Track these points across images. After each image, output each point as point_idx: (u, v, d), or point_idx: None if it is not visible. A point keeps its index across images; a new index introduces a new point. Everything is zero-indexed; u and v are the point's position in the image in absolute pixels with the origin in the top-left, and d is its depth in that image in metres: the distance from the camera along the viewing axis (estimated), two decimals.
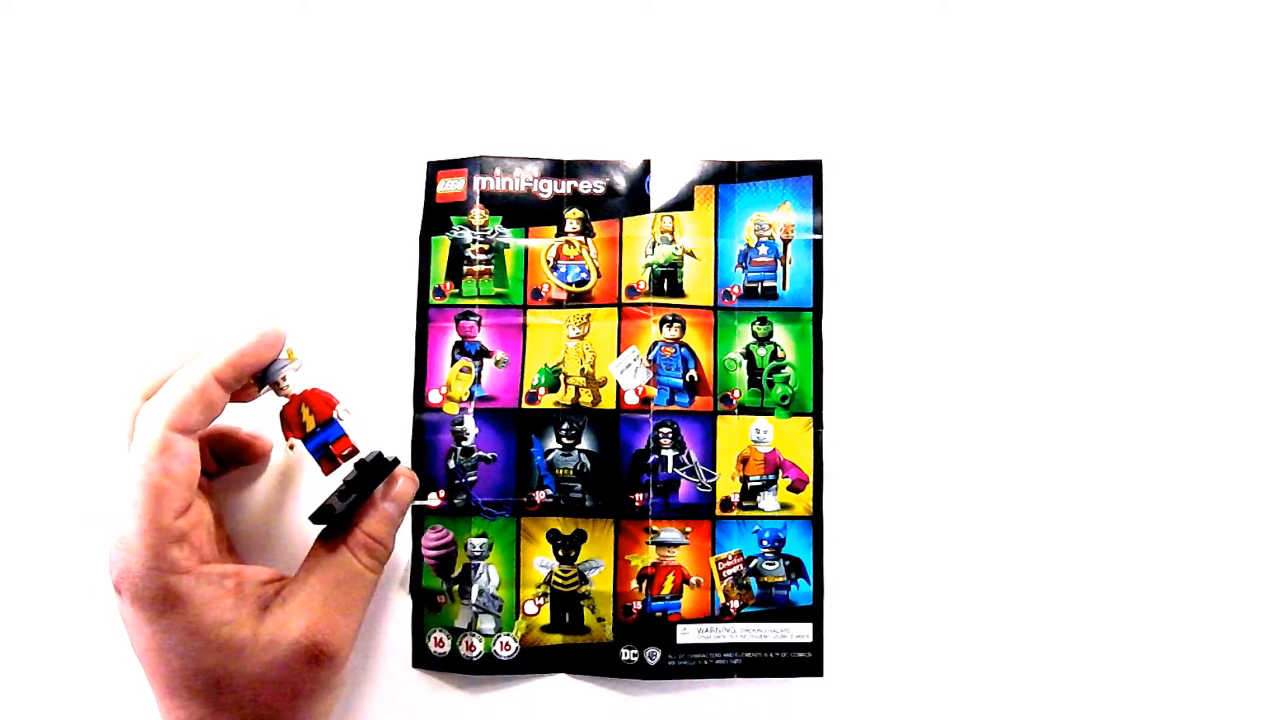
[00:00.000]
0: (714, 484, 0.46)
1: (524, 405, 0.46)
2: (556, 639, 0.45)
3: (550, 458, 0.46)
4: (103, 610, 0.44)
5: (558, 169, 0.48)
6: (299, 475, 0.46)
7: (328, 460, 0.40)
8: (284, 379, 0.39)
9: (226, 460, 0.44)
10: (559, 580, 0.45)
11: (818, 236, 0.47)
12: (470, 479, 0.46)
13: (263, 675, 0.36)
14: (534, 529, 0.46)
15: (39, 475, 0.46)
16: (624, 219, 0.47)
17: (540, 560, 0.46)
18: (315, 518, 0.39)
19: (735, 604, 0.45)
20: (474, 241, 0.47)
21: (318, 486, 0.44)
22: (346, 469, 0.40)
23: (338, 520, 0.40)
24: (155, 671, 0.36)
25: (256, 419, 0.44)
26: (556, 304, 0.47)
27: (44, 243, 0.47)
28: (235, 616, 0.36)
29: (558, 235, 0.47)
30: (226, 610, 0.36)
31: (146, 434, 0.35)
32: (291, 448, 0.40)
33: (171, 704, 0.36)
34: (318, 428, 0.39)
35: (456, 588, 0.45)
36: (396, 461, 0.41)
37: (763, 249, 0.47)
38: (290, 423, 0.39)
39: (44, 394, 0.46)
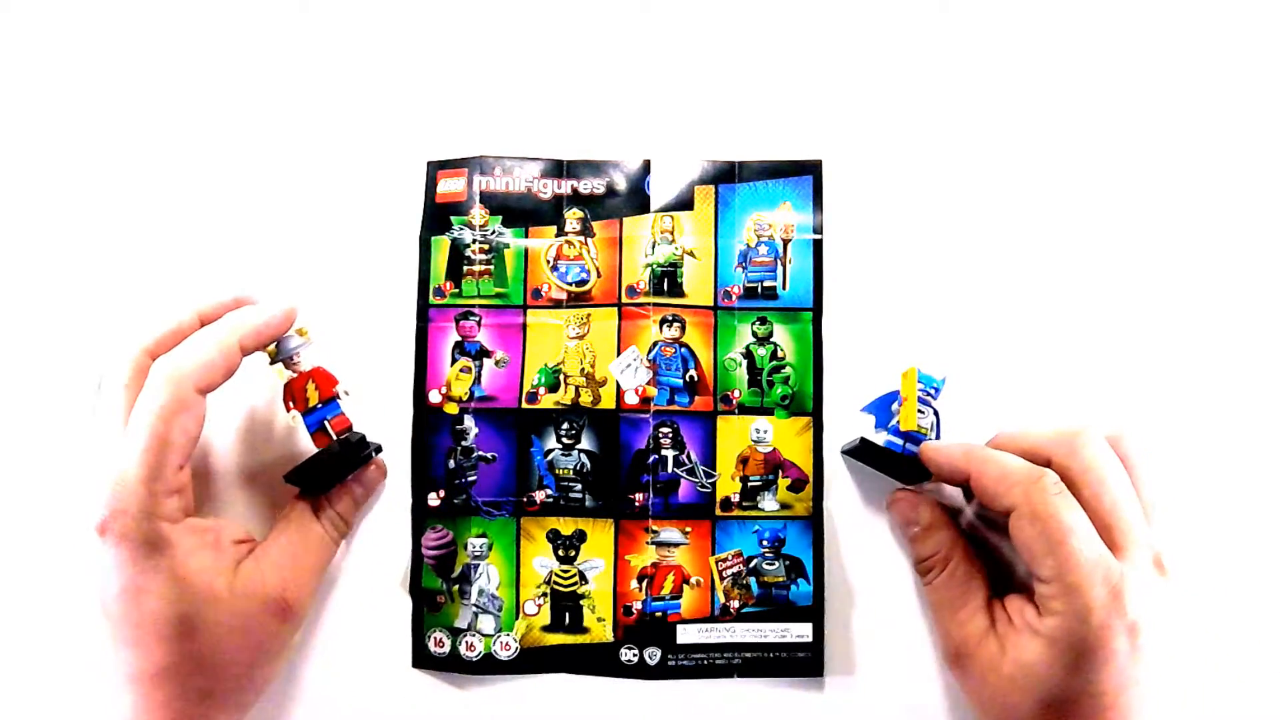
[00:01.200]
0: (714, 484, 0.46)
1: (524, 405, 0.46)
2: (556, 639, 0.45)
3: (550, 458, 0.46)
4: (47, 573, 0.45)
5: (558, 169, 0.48)
6: (271, 444, 0.46)
7: (323, 434, 0.42)
8: (298, 355, 0.41)
9: None
10: (559, 580, 0.45)
11: (818, 236, 0.47)
12: (470, 479, 0.46)
13: (231, 625, 0.38)
14: (534, 529, 0.46)
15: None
16: (624, 219, 0.47)
17: (540, 560, 0.46)
18: (290, 478, 0.42)
19: (735, 604, 0.45)
20: (474, 241, 0.47)
21: (289, 454, 0.45)
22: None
23: (310, 484, 0.43)
24: (124, 616, 0.37)
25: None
26: (556, 304, 0.47)
27: (42, 243, 0.47)
28: (214, 567, 0.38)
29: (558, 235, 0.47)
30: (206, 560, 0.38)
31: (167, 388, 0.37)
32: (293, 419, 0.41)
33: (133, 653, 0.37)
34: (319, 404, 0.42)
35: (456, 588, 0.45)
36: (379, 449, 0.45)
37: (763, 249, 0.47)
38: (296, 396, 0.41)
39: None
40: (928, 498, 0.44)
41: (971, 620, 0.40)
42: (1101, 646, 0.35)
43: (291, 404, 0.41)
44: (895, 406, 0.43)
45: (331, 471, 0.42)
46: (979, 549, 0.43)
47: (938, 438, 0.43)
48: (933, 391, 0.43)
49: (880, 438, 0.43)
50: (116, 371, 0.38)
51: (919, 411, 0.42)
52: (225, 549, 0.39)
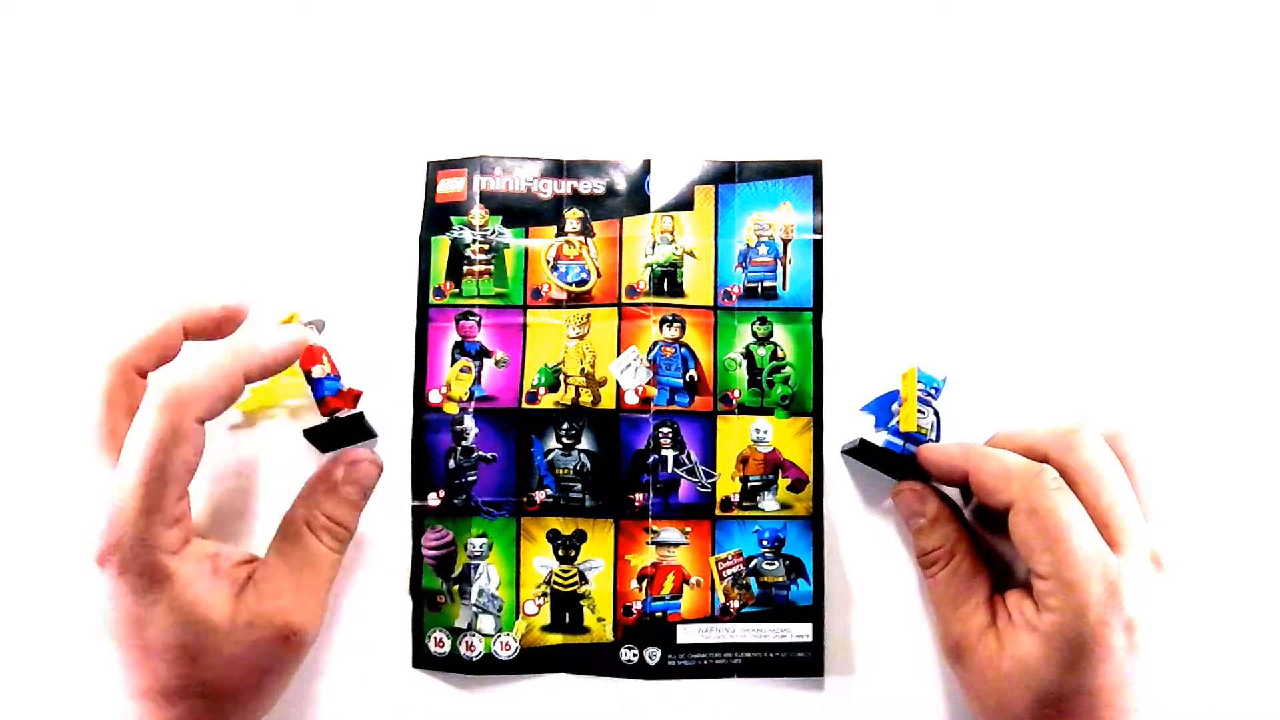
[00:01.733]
0: (714, 484, 0.46)
1: (524, 405, 0.46)
2: (556, 639, 0.45)
3: (550, 458, 0.46)
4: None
5: (558, 169, 0.48)
6: (265, 459, 0.46)
7: (344, 396, 0.42)
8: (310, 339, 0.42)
9: None
10: (559, 580, 0.45)
11: (818, 236, 0.47)
12: (470, 479, 0.46)
13: (236, 655, 0.37)
14: (534, 529, 0.46)
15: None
16: (624, 219, 0.47)
17: (540, 560, 0.46)
18: (310, 433, 0.43)
19: (735, 604, 0.45)
20: (474, 241, 0.47)
21: (285, 471, 0.45)
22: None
23: (332, 440, 0.44)
24: (129, 641, 0.36)
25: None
26: (556, 304, 0.47)
27: (43, 247, 0.47)
28: (212, 597, 0.37)
29: (558, 235, 0.47)
30: (204, 590, 0.37)
31: (167, 416, 0.34)
32: (319, 372, 0.42)
33: (139, 673, 0.36)
34: (335, 375, 0.42)
35: (456, 588, 0.45)
36: (374, 434, 0.45)
37: (763, 249, 0.47)
38: (318, 359, 0.42)
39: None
40: (933, 490, 0.43)
41: (973, 616, 0.40)
42: (1098, 643, 0.35)
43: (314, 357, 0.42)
44: (895, 407, 0.44)
45: (356, 427, 0.43)
46: (978, 549, 0.43)
47: (937, 438, 0.43)
48: (933, 392, 0.43)
49: (880, 438, 0.43)
50: (93, 377, 0.37)
51: (919, 412, 0.42)
52: (225, 574, 0.38)
